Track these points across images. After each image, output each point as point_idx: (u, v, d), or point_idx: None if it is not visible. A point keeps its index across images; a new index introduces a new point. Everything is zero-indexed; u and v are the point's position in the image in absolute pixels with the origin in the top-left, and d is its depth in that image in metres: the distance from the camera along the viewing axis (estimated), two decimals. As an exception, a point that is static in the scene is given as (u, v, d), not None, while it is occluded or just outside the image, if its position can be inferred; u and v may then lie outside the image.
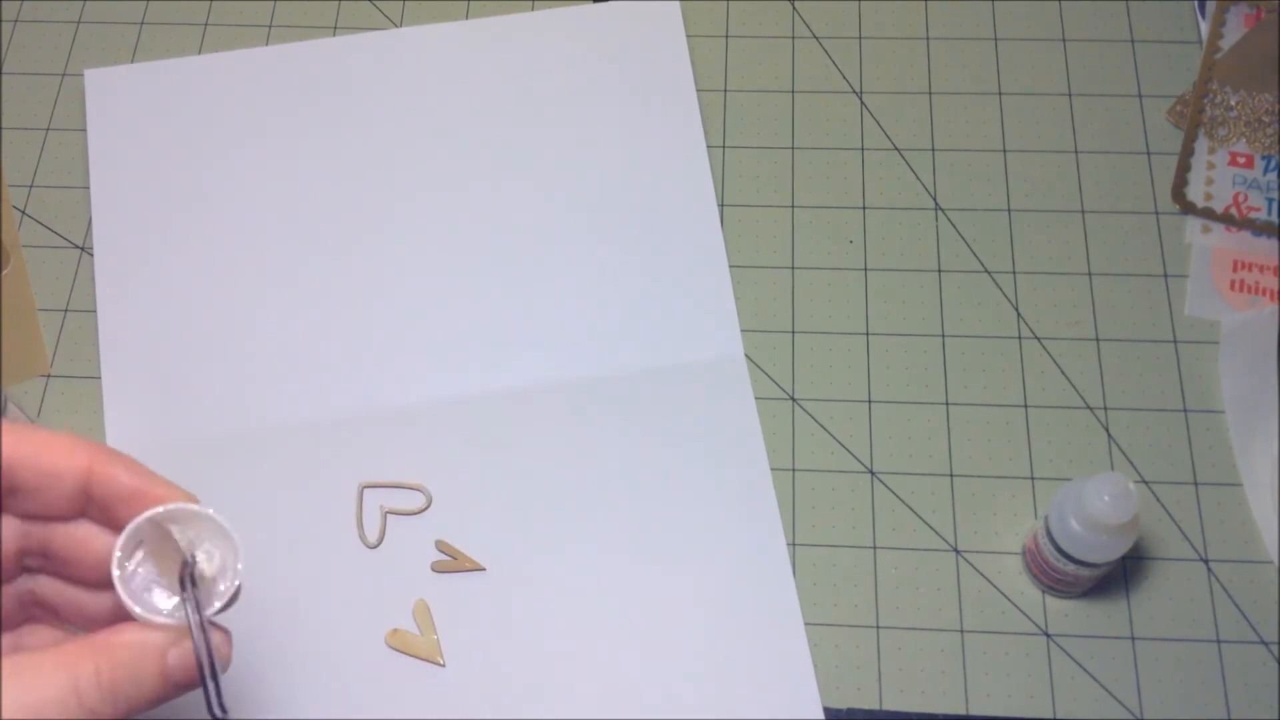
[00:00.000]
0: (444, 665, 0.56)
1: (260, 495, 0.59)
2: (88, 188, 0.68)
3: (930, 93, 0.68)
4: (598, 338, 0.62)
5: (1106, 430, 0.60)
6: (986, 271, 0.64)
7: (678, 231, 0.65)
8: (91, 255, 0.66)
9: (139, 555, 0.38)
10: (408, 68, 0.69)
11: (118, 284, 0.64)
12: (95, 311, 0.64)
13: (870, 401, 0.61)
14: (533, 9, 0.71)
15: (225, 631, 0.42)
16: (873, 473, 0.60)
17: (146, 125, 0.68)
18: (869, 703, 0.55)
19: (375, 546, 0.58)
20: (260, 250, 0.65)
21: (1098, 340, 0.62)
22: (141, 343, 0.63)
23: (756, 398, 0.61)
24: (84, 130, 0.69)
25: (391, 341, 0.63)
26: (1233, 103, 0.67)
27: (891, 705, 0.55)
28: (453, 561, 0.58)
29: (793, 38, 0.70)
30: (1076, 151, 0.66)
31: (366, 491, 0.59)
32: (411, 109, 0.68)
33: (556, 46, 0.69)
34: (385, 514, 0.59)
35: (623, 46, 0.69)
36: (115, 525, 0.39)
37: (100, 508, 0.39)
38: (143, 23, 0.72)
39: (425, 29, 0.70)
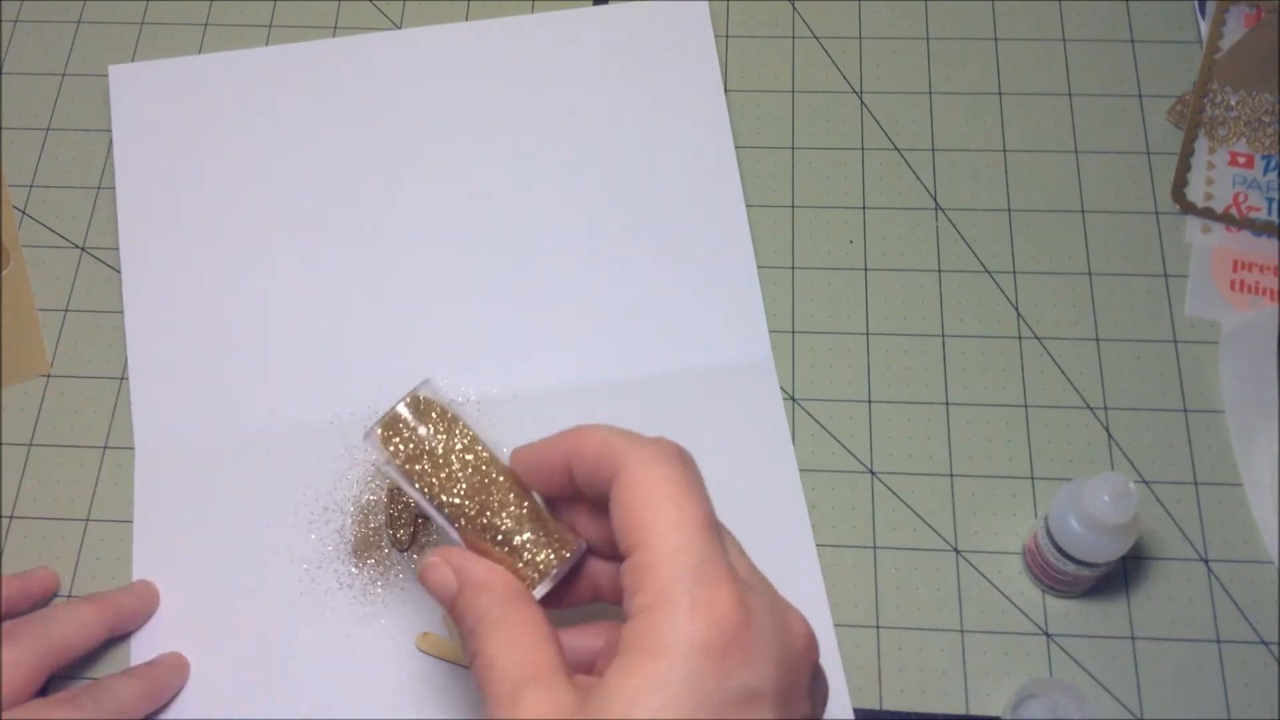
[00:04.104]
0: None
1: (287, 496, 0.59)
2: (88, 187, 0.68)
3: (930, 93, 0.68)
4: (625, 340, 0.62)
5: (1106, 430, 0.60)
6: (986, 271, 0.64)
7: (706, 233, 0.64)
8: (92, 255, 0.66)
9: None
10: (436, 68, 0.69)
11: (144, 281, 0.64)
12: (122, 312, 0.64)
13: (870, 401, 0.61)
14: (532, 9, 0.71)
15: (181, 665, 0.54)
16: (873, 473, 0.60)
17: (170, 122, 0.68)
18: (869, 703, 0.55)
19: (406, 549, 0.58)
20: (284, 250, 0.65)
21: (1098, 340, 0.62)
22: (168, 341, 0.63)
23: (756, 398, 0.61)
24: (85, 130, 0.69)
25: (415, 345, 0.63)
26: (1233, 103, 0.67)
27: (891, 705, 0.55)
28: None
29: (793, 38, 0.70)
30: (1076, 151, 0.66)
31: (395, 493, 0.59)
32: (438, 110, 0.68)
33: (582, 46, 0.69)
34: (415, 516, 0.59)
35: (650, 46, 0.68)
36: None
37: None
38: (143, 23, 0.72)
39: (454, 27, 0.70)
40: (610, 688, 0.34)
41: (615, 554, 0.39)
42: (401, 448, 0.43)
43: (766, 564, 0.57)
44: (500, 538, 0.42)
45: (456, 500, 0.42)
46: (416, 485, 0.43)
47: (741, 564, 0.39)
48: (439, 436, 0.43)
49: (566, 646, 0.40)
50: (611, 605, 0.42)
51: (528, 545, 0.42)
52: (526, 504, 0.43)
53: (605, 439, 0.40)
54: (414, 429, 0.43)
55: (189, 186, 0.66)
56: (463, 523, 0.42)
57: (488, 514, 0.42)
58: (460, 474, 0.43)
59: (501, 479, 0.43)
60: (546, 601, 0.42)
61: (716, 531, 0.37)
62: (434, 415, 0.43)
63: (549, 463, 0.42)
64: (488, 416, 0.61)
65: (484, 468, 0.43)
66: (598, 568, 0.44)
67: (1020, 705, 0.53)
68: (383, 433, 0.43)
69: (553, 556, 0.42)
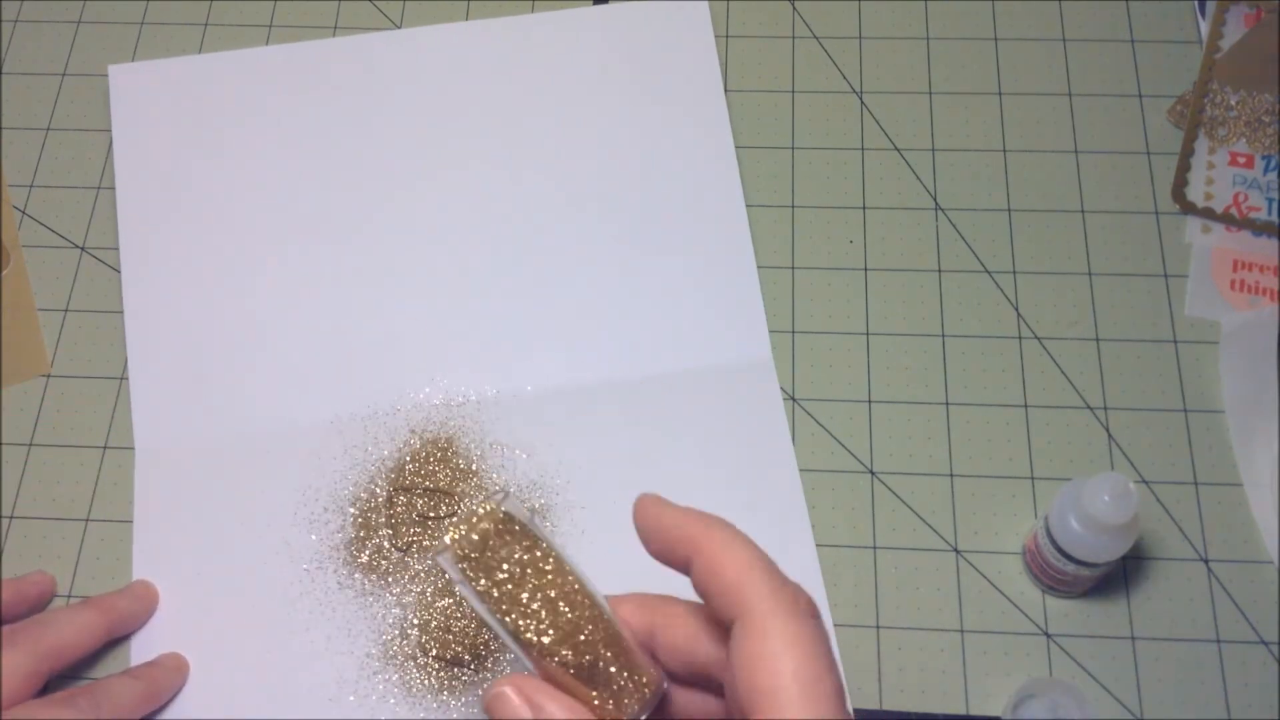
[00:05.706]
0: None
1: (287, 496, 0.59)
2: (88, 187, 0.68)
3: (930, 93, 0.68)
4: (625, 340, 0.62)
5: (1106, 430, 0.60)
6: (986, 271, 0.64)
7: (706, 233, 0.64)
8: (92, 255, 0.66)
9: None
10: (436, 68, 0.69)
11: (144, 281, 0.64)
12: (122, 311, 0.64)
13: (870, 401, 0.61)
14: (533, 9, 0.71)
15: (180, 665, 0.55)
16: (873, 473, 0.60)
17: (170, 122, 0.68)
18: (869, 703, 0.55)
19: (406, 549, 0.58)
20: (283, 250, 0.65)
21: (1098, 340, 0.62)
22: (168, 341, 0.63)
23: (756, 398, 0.61)
24: (85, 130, 0.69)
25: (415, 344, 0.63)
26: (1233, 103, 0.67)
27: (891, 705, 0.55)
28: None
29: (793, 38, 0.70)
30: (1076, 151, 0.66)
31: (396, 493, 0.59)
32: (438, 110, 0.68)
33: (582, 46, 0.69)
34: (413, 516, 0.59)
35: (650, 46, 0.68)
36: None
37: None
38: (143, 23, 0.72)
39: (454, 27, 0.70)
40: None
41: (697, 679, 0.36)
42: (477, 568, 0.39)
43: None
44: (580, 672, 0.39)
45: (539, 632, 0.39)
46: (494, 613, 0.39)
47: None
48: (518, 557, 0.39)
49: None
50: None
51: (609, 682, 0.38)
52: (609, 634, 0.39)
53: (742, 571, 0.35)
54: (493, 548, 0.39)
55: (189, 186, 0.66)
56: (540, 653, 0.39)
57: (569, 646, 0.39)
58: (540, 599, 0.39)
59: (585, 607, 0.39)
60: None
61: (847, 712, 0.34)
62: (514, 532, 0.39)
63: (671, 544, 0.38)
64: (488, 416, 0.61)
65: (567, 594, 0.39)
66: (683, 698, 0.40)
67: (1020, 705, 0.53)
68: (456, 549, 0.39)
69: (633, 702, 0.38)
